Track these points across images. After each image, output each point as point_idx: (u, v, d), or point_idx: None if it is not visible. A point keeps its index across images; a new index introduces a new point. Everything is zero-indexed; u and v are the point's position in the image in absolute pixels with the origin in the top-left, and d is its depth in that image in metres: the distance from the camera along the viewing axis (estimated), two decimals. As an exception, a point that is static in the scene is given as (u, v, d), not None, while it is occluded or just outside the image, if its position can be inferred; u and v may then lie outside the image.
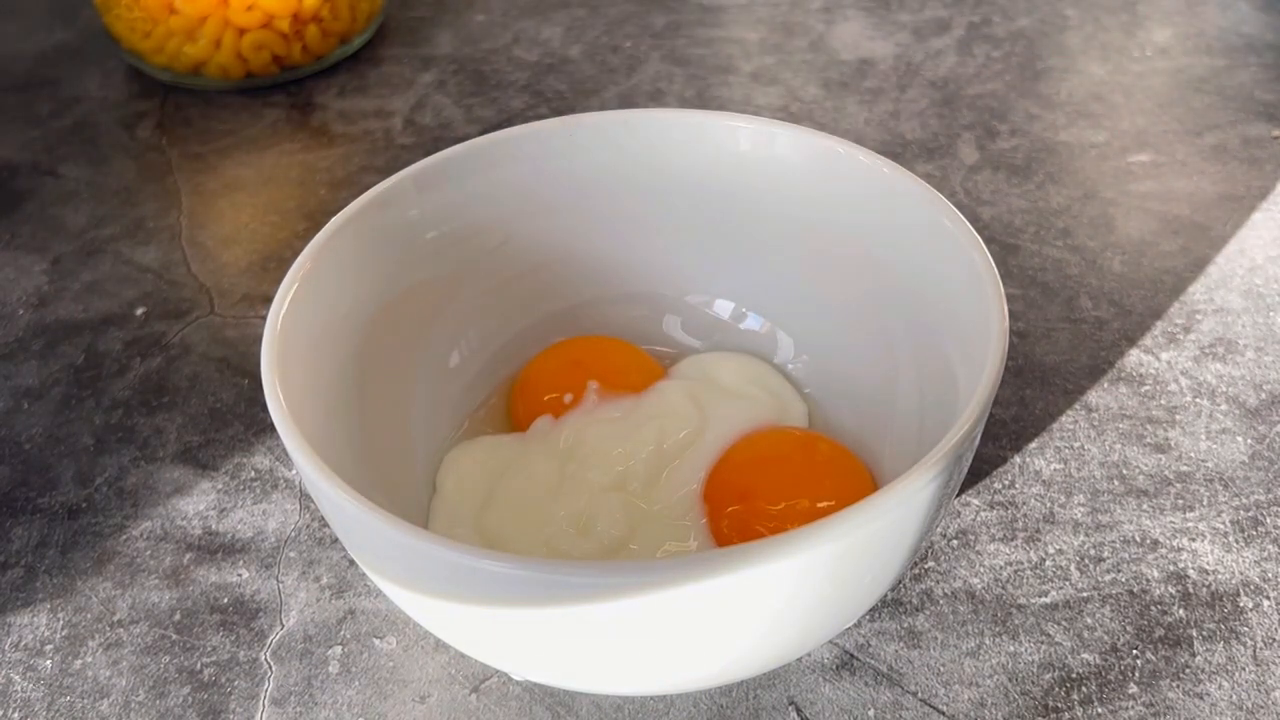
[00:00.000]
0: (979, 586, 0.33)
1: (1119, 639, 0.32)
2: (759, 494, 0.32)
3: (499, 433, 0.36)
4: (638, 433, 0.34)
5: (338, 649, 0.33)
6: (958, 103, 0.53)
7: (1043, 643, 0.32)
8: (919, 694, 0.31)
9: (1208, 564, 0.34)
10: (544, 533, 0.32)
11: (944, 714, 0.30)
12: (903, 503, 0.24)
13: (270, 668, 0.32)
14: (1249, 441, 0.37)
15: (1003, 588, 0.33)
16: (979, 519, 0.35)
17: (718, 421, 0.34)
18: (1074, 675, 0.31)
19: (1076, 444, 0.37)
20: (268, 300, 0.41)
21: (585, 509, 0.32)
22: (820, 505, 0.31)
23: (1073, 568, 0.34)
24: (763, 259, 0.37)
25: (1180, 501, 0.35)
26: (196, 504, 0.37)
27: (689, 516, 0.32)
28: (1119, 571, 0.33)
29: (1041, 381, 0.39)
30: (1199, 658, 0.31)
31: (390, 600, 0.33)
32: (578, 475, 0.33)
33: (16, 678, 0.32)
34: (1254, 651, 0.31)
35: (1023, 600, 0.33)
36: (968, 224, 0.30)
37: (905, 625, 0.32)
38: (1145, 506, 0.35)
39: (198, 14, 0.54)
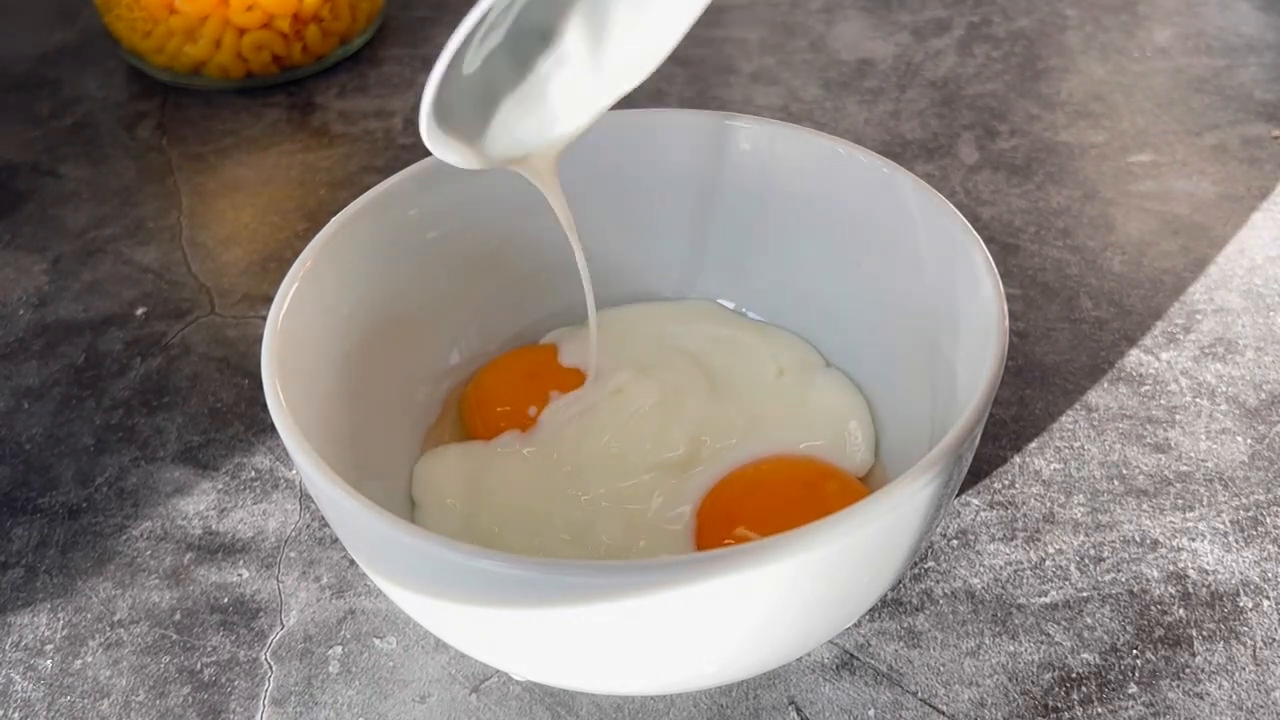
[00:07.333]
0: (979, 586, 0.33)
1: (1119, 639, 0.32)
2: (749, 525, 0.31)
3: (456, 441, 0.35)
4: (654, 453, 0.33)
5: (338, 649, 0.33)
6: (958, 103, 0.53)
7: (1043, 643, 0.32)
8: (919, 694, 0.31)
9: (1208, 564, 0.34)
10: (539, 539, 0.32)
11: (944, 714, 0.30)
12: (903, 502, 0.24)
13: (270, 668, 0.32)
14: (1249, 441, 0.37)
15: (1003, 588, 0.33)
16: (979, 519, 0.35)
17: (746, 442, 0.33)
18: (1074, 675, 0.31)
19: (1076, 444, 0.37)
20: (268, 300, 0.41)
21: (583, 518, 0.32)
22: None
23: (1073, 568, 0.34)
24: (763, 259, 0.37)
25: (1180, 501, 0.35)
26: (197, 504, 0.37)
27: (688, 529, 0.32)
28: (1119, 571, 0.33)
29: (1041, 381, 0.39)
30: (1199, 658, 0.31)
31: (390, 600, 0.33)
32: (576, 484, 0.33)
33: (17, 677, 0.32)
34: (1254, 651, 0.31)
35: (1023, 600, 0.33)
36: (968, 224, 0.30)
37: (905, 625, 0.32)
38: (1145, 506, 0.35)
39: (198, 14, 0.54)
